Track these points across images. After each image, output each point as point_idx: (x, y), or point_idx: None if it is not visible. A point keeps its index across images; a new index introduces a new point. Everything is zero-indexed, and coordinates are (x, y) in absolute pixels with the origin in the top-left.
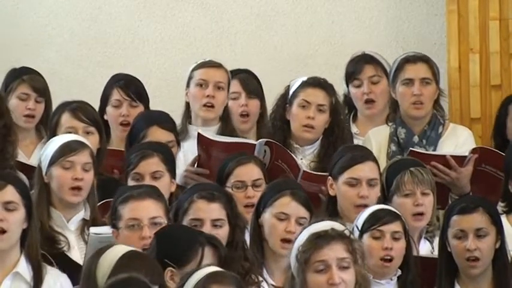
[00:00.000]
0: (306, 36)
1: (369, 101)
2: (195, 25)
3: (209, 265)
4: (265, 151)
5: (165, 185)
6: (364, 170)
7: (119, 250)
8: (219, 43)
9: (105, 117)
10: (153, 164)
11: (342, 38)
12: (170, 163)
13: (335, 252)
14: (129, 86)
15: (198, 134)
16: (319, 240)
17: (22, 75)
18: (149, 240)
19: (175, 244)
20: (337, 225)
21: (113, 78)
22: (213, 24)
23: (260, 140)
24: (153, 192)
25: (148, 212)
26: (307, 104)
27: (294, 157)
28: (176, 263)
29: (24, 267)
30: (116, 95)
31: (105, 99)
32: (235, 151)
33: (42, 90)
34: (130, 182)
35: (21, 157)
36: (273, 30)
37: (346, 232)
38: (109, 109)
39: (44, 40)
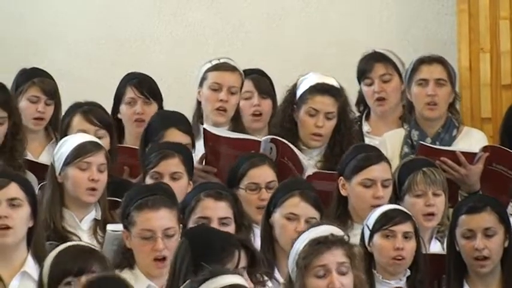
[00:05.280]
0: (317, 35)
1: (380, 99)
2: (205, 24)
3: (231, 272)
4: (271, 148)
5: (182, 186)
6: (379, 171)
7: (59, 248)
8: (230, 42)
9: (119, 115)
10: (173, 164)
11: (352, 38)
12: (189, 164)
13: (335, 257)
14: (142, 84)
15: (204, 129)
16: (320, 246)
17: (32, 77)
18: (163, 252)
19: (212, 247)
20: (335, 230)
21: (127, 77)
22: (224, 24)
23: (265, 137)
24: (167, 200)
25: (162, 223)
26: (316, 112)
27: (299, 155)
28: (213, 266)
29: (31, 266)
30: (130, 93)
31: (118, 98)
32: (241, 147)
33: (52, 93)
34: (149, 181)
35: (30, 158)
36: (283, 30)
37: (345, 237)
38: (123, 107)
39: (53, 39)
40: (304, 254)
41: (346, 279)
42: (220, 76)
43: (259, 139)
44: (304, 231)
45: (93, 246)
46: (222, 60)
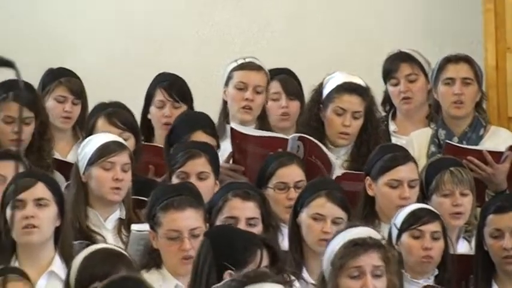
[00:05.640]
0: (343, 34)
1: (406, 98)
2: (231, 24)
3: (274, 280)
4: (298, 146)
5: (209, 186)
6: (406, 171)
7: (87, 250)
8: (256, 42)
9: (149, 116)
10: (199, 164)
11: (378, 37)
12: (216, 164)
13: (371, 260)
14: (172, 87)
15: (231, 128)
16: (357, 247)
17: (59, 77)
18: (189, 251)
19: (234, 247)
20: (373, 233)
21: (158, 78)
22: (250, 23)
23: (293, 135)
24: (193, 200)
25: (188, 223)
26: (343, 111)
27: (327, 153)
28: (235, 265)
29: (59, 266)
30: (160, 95)
31: (148, 99)
32: (269, 146)
33: (79, 93)
34: (175, 180)
35: (58, 157)
36: (309, 29)
37: (383, 241)
38: (152, 109)
39: (80, 40)
40: (340, 254)
41: (380, 283)
42: (245, 75)
43: (286, 137)
44: (341, 231)
45: (121, 250)
46: (247, 60)
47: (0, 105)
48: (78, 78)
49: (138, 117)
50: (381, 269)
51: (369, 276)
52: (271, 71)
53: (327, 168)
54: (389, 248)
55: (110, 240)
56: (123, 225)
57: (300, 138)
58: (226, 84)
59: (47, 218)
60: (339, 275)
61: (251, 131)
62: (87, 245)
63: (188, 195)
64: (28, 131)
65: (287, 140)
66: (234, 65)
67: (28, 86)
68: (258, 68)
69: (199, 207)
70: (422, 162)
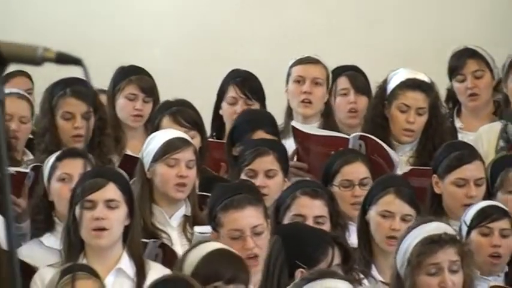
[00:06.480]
0: (413, 31)
1: (473, 95)
2: (303, 22)
3: (341, 277)
4: (360, 145)
5: (277, 184)
6: (472, 170)
7: (208, 246)
8: (326, 39)
9: (220, 112)
10: (267, 162)
11: (448, 34)
12: (284, 162)
13: (448, 255)
14: (245, 84)
15: (292, 127)
16: (434, 244)
17: (130, 74)
18: (253, 250)
19: (305, 245)
20: (448, 229)
21: (231, 74)
22: (316, 22)
23: (354, 134)
24: (252, 198)
25: (250, 221)
26: (407, 107)
27: (389, 151)
28: (307, 263)
29: (127, 264)
30: (232, 92)
31: (221, 95)
32: (330, 145)
33: (150, 91)
34: (243, 177)
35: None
36: (379, 26)
37: (457, 237)
38: (224, 105)
39: (151, 39)
40: (417, 252)
41: (457, 278)
42: (303, 69)
43: (347, 136)
44: (414, 227)
45: (239, 254)
46: (305, 55)
47: (59, 101)
48: (149, 75)
49: (204, 114)
50: (458, 263)
51: (446, 272)
52: (339, 68)
53: (390, 167)
54: (465, 243)
55: (174, 238)
56: (188, 222)
57: (361, 137)
58: (287, 82)
59: (117, 219)
60: (416, 273)
61: (312, 129)
62: (161, 244)
63: (247, 193)
64: (89, 125)
65: (348, 139)
66: (293, 61)
67: (82, 81)
68: (315, 61)
69: (258, 204)
70: (491, 157)
